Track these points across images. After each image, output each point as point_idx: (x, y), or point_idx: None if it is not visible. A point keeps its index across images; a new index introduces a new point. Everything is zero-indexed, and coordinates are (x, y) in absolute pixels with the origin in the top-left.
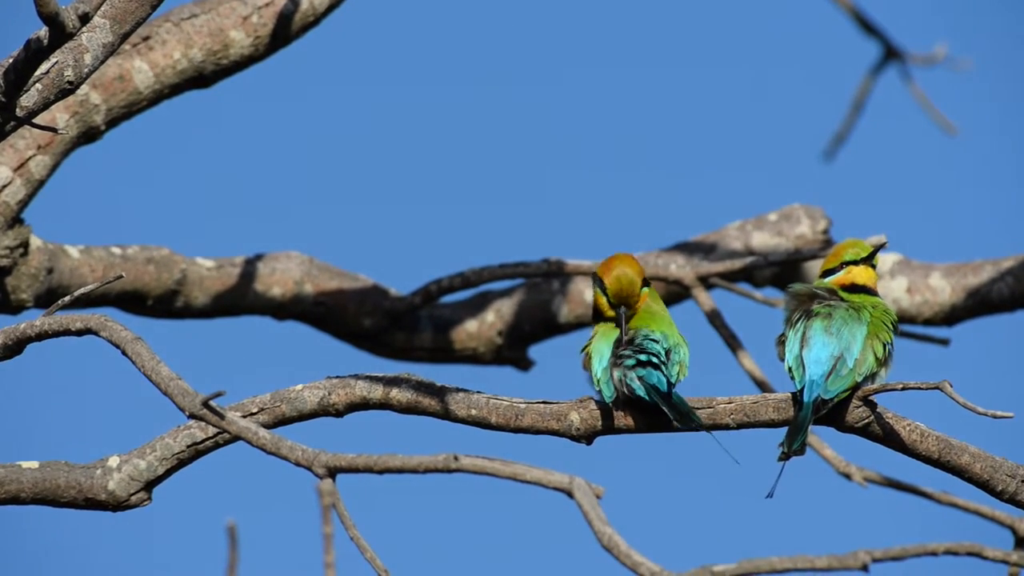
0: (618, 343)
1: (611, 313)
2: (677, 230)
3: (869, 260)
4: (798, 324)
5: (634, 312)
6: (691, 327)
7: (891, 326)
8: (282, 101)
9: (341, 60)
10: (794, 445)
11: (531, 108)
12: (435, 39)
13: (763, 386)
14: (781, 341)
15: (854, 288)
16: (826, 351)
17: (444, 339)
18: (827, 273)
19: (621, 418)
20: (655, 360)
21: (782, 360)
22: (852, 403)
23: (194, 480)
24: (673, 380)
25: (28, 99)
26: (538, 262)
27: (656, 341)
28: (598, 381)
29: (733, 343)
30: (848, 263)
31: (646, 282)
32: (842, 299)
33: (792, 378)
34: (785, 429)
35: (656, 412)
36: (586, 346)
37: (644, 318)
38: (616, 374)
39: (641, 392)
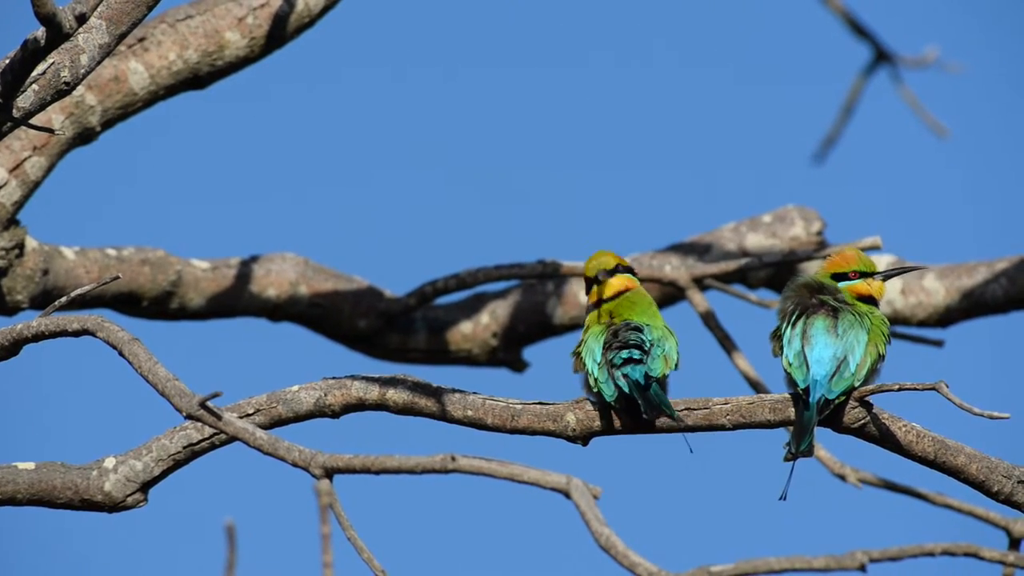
0: (607, 343)
1: (594, 297)
2: (671, 231)
3: (887, 278)
4: (797, 320)
5: (616, 289)
6: (685, 328)
7: (887, 337)
8: (277, 102)
9: (336, 62)
10: (801, 446)
11: (527, 109)
12: (430, 41)
13: (757, 387)
14: (776, 336)
15: (869, 301)
16: (828, 351)
17: (439, 340)
18: (837, 277)
19: (620, 419)
20: (636, 355)
21: (776, 356)
22: (849, 404)
23: (190, 481)
24: (656, 374)
25: (25, 100)
26: (533, 263)
27: (639, 330)
28: (596, 381)
29: (727, 344)
30: (864, 274)
31: (631, 271)
32: (846, 301)
33: (790, 373)
34: (785, 430)
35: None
36: (577, 348)
37: (627, 309)
38: (614, 373)
39: (626, 388)
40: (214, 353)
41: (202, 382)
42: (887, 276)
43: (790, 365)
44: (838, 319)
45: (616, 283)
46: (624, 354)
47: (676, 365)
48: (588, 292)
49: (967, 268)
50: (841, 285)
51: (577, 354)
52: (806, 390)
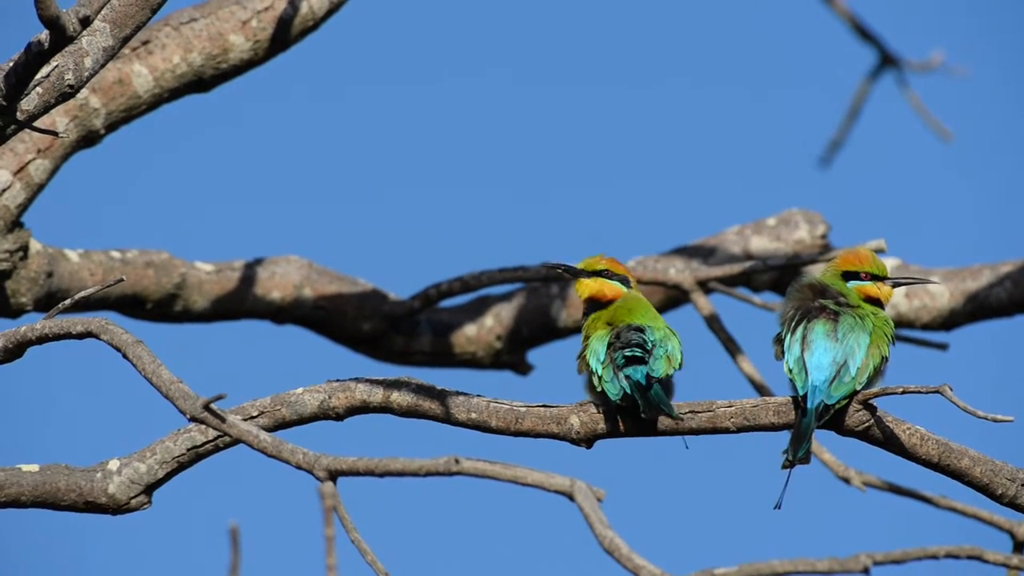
0: (609, 344)
1: (584, 292)
2: (676, 235)
3: (898, 284)
4: (797, 325)
5: (608, 293)
6: (690, 331)
7: (890, 338)
8: (281, 105)
9: (340, 64)
10: (799, 453)
11: (530, 111)
12: (434, 43)
13: (762, 390)
14: (779, 340)
15: (875, 302)
16: (828, 356)
17: (443, 343)
18: (848, 275)
19: (624, 421)
20: (638, 354)
21: (778, 359)
22: (852, 407)
23: (194, 483)
24: (658, 374)
25: (28, 103)
26: (537, 266)
27: (641, 331)
28: (600, 380)
29: (732, 347)
30: (876, 277)
31: (626, 281)
32: (849, 303)
33: (791, 380)
34: (787, 435)
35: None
36: (581, 352)
37: (625, 314)
38: (618, 374)
39: (628, 389)
40: (218, 355)
41: (206, 384)
42: (897, 283)
43: (790, 371)
44: (838, 323)
45: (591, 286)
46: (628, 352)
47: (680, 365)
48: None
49: (971, 271)
50: (851, 284)
51: (582, 356)
52: (804, 396)
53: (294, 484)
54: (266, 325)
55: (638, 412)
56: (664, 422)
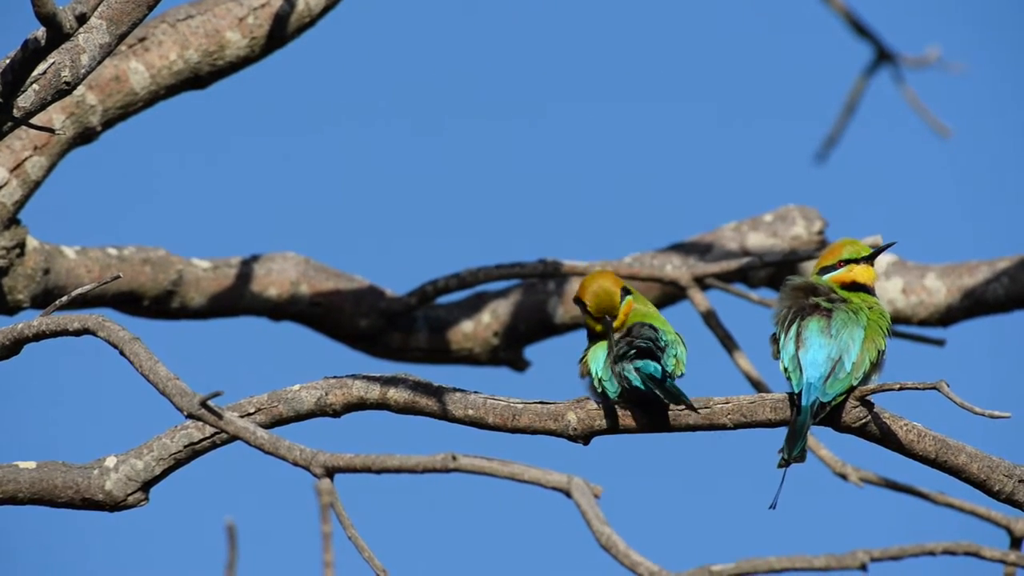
0: (617, 341)
1: (600, 328)
2: (673, 231)
3: (871, 259)
4: (792, 323)
5: (622, 319)
6: (687, 327)
7: (886, 331)
8: (278, 102)
9: (337, 61)
10: (794, 452)
11: (528, 107)
12: (431, 37)
13: (759, 386)
14: (775, 339)
15: (854, 286)
16: (823, 353)
17: (440, 340)
18: (825, 271)
19: (622, 418)
20: (650, 346)
21: (775, 358)
22: (849, 403)
23: (191, 481)
24: (670, 370)
25: (25, 100)
26: (534, 263)
27: (654, 329)
28: (599, 380)
29: (729, 343)
30: (848, 261)
31: (628, 291)
32: (841, 298)
33: (788, 378)
34: (784, 433)
35: (654, 407)
36: (583, 356)
37: (637, 319)
38: (616, 368)
39: (638, 382)
40: (215, 352)
41: (203, 381)
42: (869, 259)
43: (786, 370)
44: (831, 319)
45: (622, 316)
46: (641, 343)
47: (682, 372)
48: (585, 316)
49: (968, 267)
50: (825, 277)
51: (584, 361)
52: (799, 394)
53: (291, 481)
54: (263, 322)
55: (645, 406)
56: (691, 416)
